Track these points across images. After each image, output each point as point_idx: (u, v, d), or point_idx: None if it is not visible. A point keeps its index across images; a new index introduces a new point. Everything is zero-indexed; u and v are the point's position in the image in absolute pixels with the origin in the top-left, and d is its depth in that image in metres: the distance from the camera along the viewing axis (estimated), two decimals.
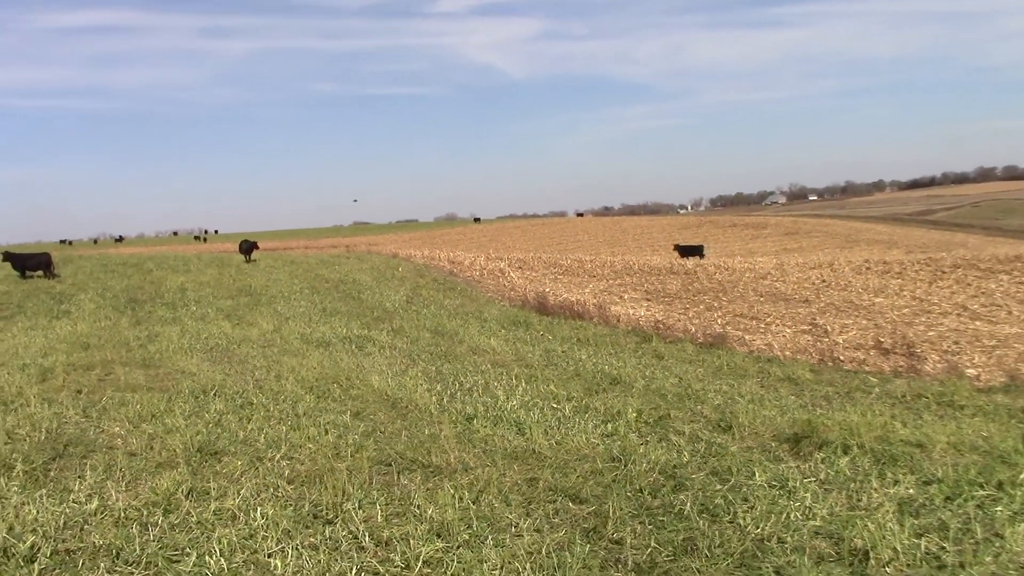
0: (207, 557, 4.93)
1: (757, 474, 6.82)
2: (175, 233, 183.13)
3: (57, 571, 4.80)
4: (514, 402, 9.57)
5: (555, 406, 9.54)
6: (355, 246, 57.86)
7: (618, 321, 19.76)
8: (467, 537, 5.36)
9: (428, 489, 6.35)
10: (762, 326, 20.00)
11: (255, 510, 5.69)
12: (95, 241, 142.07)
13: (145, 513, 5.68)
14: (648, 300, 25.52)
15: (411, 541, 5.21)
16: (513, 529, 5.58)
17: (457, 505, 5.91)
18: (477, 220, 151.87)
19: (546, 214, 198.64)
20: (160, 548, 5.09)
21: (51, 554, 4.98)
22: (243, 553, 5.03)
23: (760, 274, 31.30)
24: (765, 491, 6.42)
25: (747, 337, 17.53)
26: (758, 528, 5.62)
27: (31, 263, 26.13)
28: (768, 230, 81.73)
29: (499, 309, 22.30)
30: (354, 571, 4.84)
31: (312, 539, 5.27)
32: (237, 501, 5.89)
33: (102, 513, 5.69)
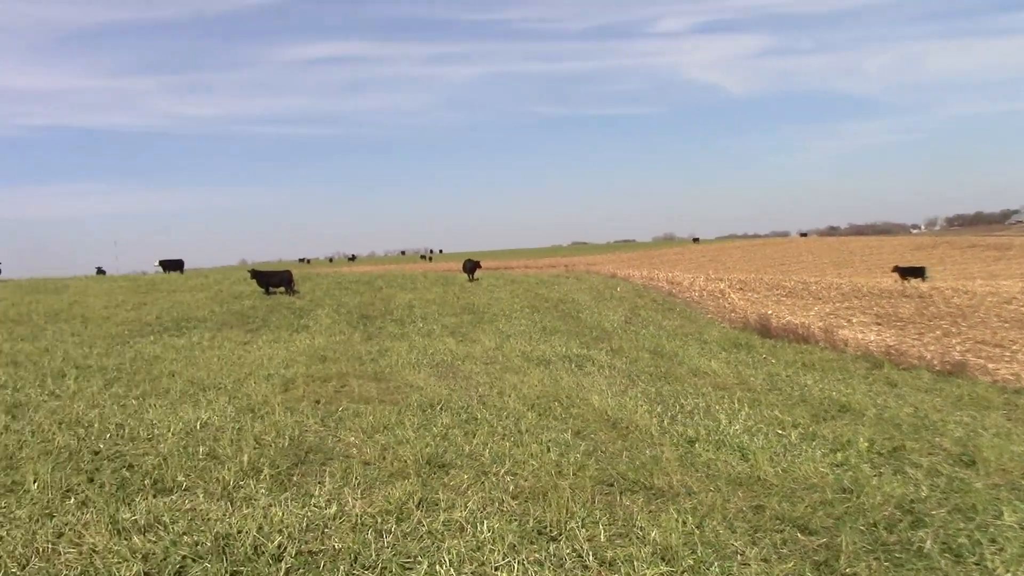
0: (437, 567, 5.11)
1: (1006, 514, 6.35)
2: (403, 252, 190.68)
3: (301, 571, 5.10)
4: (737, 426, 9.35)
5: (780, 432, 9.25)
6: (574, 266, 58.36)
7: (846, 345, 18.95)
8: (692, 562, 5.28)
9: (651, 511, 6.31)
10: (1007, 354, 18.56)
11: (482, 523, 5.85)
12: (330, 259, 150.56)
13: (379, 520, 5.96)
14: (878, 324, 24.27)
15: (635, 563, 5.19)
16: (739, 557, 5.45)
17: (681, 529, 5.84)
18: (696, 240, 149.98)
19: (768, 234, 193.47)
20: (394, 555, 5.32)
21: (296, 554, 5.31)
22: (471, 565, 5.17)
23: (1004, 298, 29.09)
24: (1015, 532, 5.97)
25: (990, 366, 16.34)
26: (1008, 572, 5.24)
27: (274, 280, 28.03)
28: (1013, 251, 75.98)
29: (719, 331, 21.90)
30: None
31: (537, 555, 5.34)
32: (464, 513, 6.07)
33: (340, 518, 6.01)
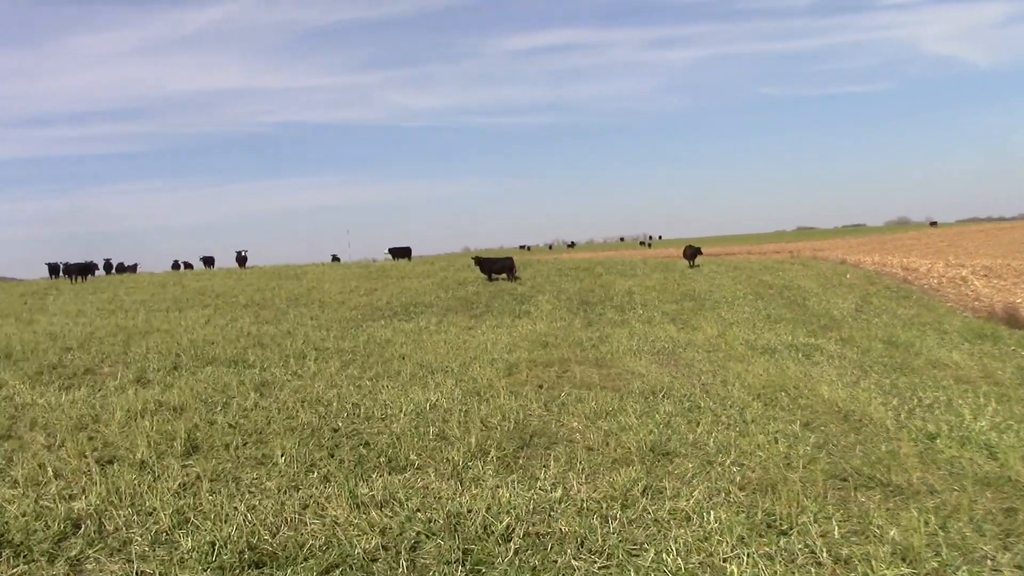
0: (664, 555, 5.06)
1: None
2: (622, 239, 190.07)
3: (530, 552, 5.20)
4: (983, 423, 8.72)
5: None
6: (799, 251, 56.18)
7: None
8: (936, 565, 4.97)
9: (888, 509, 5.99)
10: None
11: (708, 513, 5.75)
12: (550, 246, 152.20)
13: (604, 506, 5.97)
14: None
15: (872, 562, 4.93)
16: (990, 562, 5.07)
17: (923, 529, 5.50)
18: (933, 224, 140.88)
19: (1015, 216, 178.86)
20: (620, 541, 5.32)
21: (524, 535, 5.41)
22: (698, 555, 5.09)
23: None
24: None
25: None
26: None
27: (496, 267, 28.79)
28: None
29: (960, 320, 20.52)
30: None
31: (767, 548, 5.19)
32: (690, 503, 5.99)
33: (565, 502, 6.08)
